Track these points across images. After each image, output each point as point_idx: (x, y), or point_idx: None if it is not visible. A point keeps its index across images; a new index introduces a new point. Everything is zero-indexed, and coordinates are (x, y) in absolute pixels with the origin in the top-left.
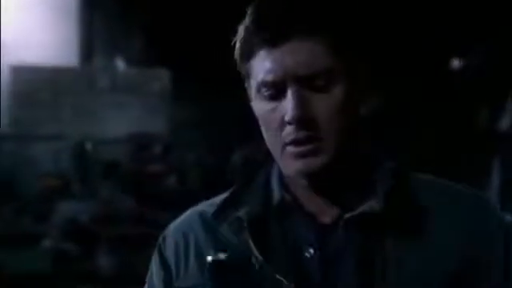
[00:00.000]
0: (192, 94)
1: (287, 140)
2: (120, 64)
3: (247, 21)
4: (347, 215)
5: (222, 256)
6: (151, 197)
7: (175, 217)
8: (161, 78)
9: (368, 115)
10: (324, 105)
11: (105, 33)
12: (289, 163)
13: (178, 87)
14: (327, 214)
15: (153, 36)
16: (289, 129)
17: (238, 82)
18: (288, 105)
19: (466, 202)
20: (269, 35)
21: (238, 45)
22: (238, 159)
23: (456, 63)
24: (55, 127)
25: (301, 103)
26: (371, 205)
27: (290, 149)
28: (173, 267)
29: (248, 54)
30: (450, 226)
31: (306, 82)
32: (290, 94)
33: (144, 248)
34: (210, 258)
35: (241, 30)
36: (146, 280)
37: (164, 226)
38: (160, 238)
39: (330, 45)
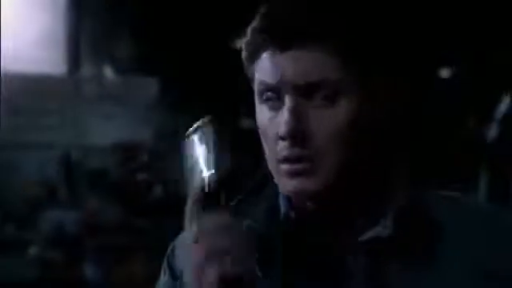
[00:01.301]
0: (179, 103)
1: (280, 156)
2: (108, 73)
3: (254, 22)
4: (353, 240)
5: None
6: (138, 206)
7: (162, 226)
8: (148, 87)
9: (384, 127)
10: (325, 121)
11: (93, 42)
12: (283, 181)
13: (165, 96)
14: (333, 236)
15: (141, 45)
16: (282, 144)
17: (225, 91)
18: (282, 117)
19: (487, 221)
20: (272, 39)
21: (243, 46)
22: (223, 169)
23: (445, 72)
24: (42, 135)
25: (296, 117)
26: (378, 230)
27: (284, 166)
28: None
29: (252, 56)
30: (467, 247)
31: (307, 94)
32: (286, 105)
33: (130, 257)
34: None
35: (248, 31)
36: None
37: (150, 235)
38: (169, 250)
39: (338, 55)
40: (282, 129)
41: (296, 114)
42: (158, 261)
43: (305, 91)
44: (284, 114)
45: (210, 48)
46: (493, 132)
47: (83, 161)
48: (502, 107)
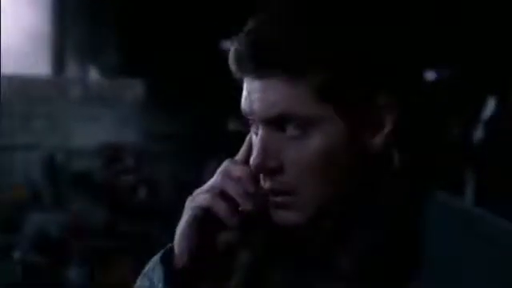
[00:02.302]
0: (165, 105)
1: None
2: (93, 74)
3: (232, 47)
4: (341, 251)
5: None
6: (123, 209)
7: (147, 229)
8: (134, 89)
9: (380, 151)
10: (298, 153)
11: (78, 43)
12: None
13: (151, 98)
14: (325, 248)
15: (126, 46)
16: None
17: (211, 94)
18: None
19: (479, 223)
20: (239, 71)
21: (229, 65)
22: (212, 171)
23: (431, 74)
24: (26, 137)
25: (265, 151)
26: (365, 241)
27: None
28: None
29: (238, 76)
30: (462, 248)
31: (278, 125)
32: (258, 136)
33: (115, 260)
34: None
35: (229, 53)
36: None
37: (136, 238)
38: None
39: (310, 88)
40: (250, 162)
41: (265, 148)
42: (142, 263)
43: (275, 122)
44: (255, 146)
45: (197, 50)
46: (479, 134)
47: (68, 163)
48: (488, 109)
